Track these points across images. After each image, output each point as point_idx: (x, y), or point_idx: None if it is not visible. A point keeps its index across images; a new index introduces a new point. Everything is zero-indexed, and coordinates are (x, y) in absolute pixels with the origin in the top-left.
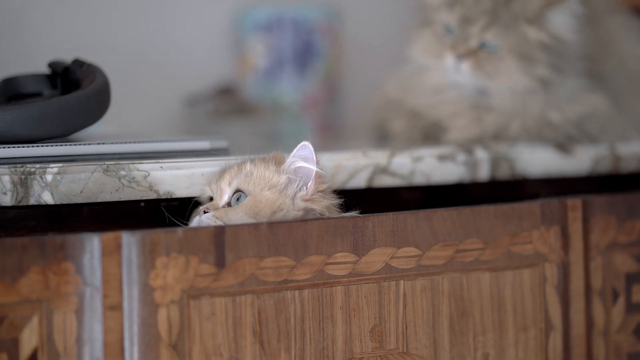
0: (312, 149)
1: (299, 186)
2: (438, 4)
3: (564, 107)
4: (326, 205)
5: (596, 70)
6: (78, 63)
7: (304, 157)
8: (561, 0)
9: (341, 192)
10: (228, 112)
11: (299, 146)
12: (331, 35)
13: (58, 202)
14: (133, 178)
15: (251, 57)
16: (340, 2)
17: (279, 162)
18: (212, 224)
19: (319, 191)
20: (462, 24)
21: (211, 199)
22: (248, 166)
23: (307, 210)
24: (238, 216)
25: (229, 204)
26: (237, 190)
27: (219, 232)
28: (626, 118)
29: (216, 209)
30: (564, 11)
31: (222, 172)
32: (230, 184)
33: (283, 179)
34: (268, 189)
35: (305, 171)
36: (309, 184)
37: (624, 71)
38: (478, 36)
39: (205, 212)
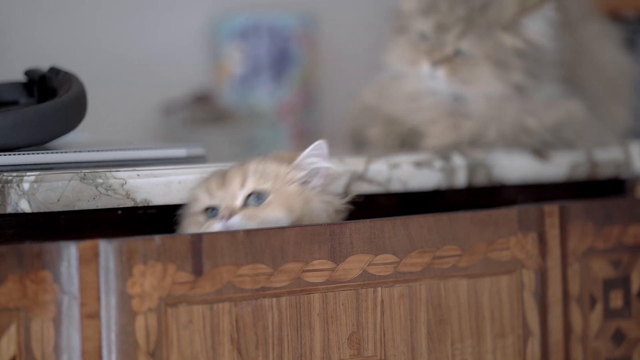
0: (327, 146)
1: (315, 182)
2: (414, 11)
3: (540, 113)
4: (339, 203)
5: (572, 76)
6: (54, 71)
7: (319, 155)
8: (536, 6)
9: None
10: (204, 120)
11: (314, 145)
12: (307, 42)
13: (35, 211)
14: (110, 186)
15: (227, 65)
16: (317, 9)
17: (288, 160)
18: (245, 226)
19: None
20: (438, 31)
21: (208, 209)
22: (257, 166)
23: (328, 205)
24: (273, 213)
25: (244, 207)
26: (253, 192)
27: (196, 240)
28: (603, 124)
29: (235, 211)
30: (539, 17)
31: (221, 178)
32: (243, 186)
33: (301, 174)
34: (289, 184)
35: (320, 169)
36: (322, 180)
37: (600, 77)
38: (453, 43)
39: (223, 218)
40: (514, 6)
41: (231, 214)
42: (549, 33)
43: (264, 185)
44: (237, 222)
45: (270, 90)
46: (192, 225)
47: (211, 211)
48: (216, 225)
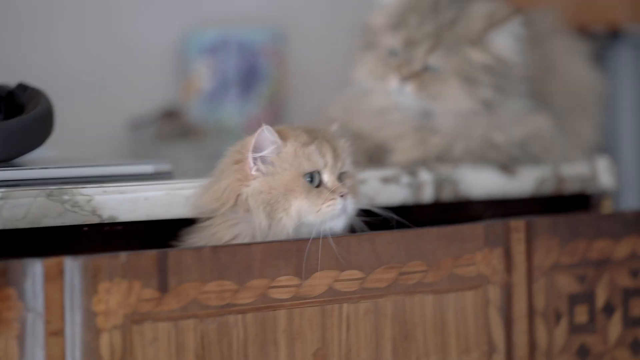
0: None
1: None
2: (382, 27)
3: (507, 129)
4: None
5: (540, 91)
6: (22, 87)
7: None
8: (502, 21)
9: None
10: (172, 135)
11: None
12: (276, 58)
13: (1, 228)
14: (76, 202)
15: (196, 80)
16: (285, 24)
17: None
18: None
19: None
20: (406, 47)
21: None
22: (342, 142)
23: None
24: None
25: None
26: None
27: (162, 257)
28: (570, 139)
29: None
30: (506, 32)
31: (324, 147)
32: (343, 164)
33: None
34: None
35: None
36: None
37: (568, 92)
38: (422, 59)
39: (344, 197)
40: (481, 21)
41: (342, 194)
42: (516, 48)
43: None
44: (351, 205)
45: (239, 106)
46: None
47: (309, 177)
48: (339, 204)
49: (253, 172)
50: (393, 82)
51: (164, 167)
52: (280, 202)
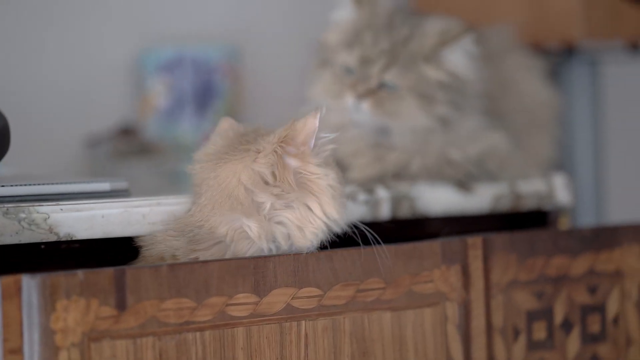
0: None
1: None
2: (337, 45)
3: (464, 145)
4: None
5: (496, 108)
6: None
7: None
8: (455, 39)
9: None
10: (129, 153)
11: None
12: (231, 75)
13: None
14: (33, 220)
15: (152, 97)
16: (241, 41)
17: None
18: None
19: None
20: (362, 65)
21: None
22: None
23: None
24: None
25: None
26: None
27: (120, 275)
28: (526, 155)
29: None
30: (459, 50)
31: None
32: None
33: None
34: None
35: None
36: None
37: (523, 109)
38: (377, 76)
39: None
40: (435, 39)
41: None
42: (470, 65)
43: None
44: None
45: (195, 123)
46: None
47: None
48: None
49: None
50: (349, 100)
51: (121, 184)
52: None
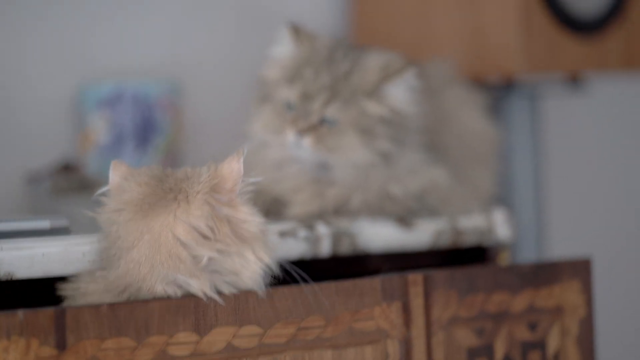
0: None
1: None
2: (278, 80)
3: (404, 181)
4: None
5: (436, 142)
6: None
7: None
8: (396, 74)
9: None
10: (69, 189)
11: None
12: (172, 110)
13: None
14: None
15: (92, 133)
16: (181, 77)
17: None
18: None
19: None
20: (303, 100)
21: None
22: None
23: None
24: None
25: None
26: None
27: (60, 314)
28: (467, 190)
29: None
30: (400, 84)
31: None
32: None
33: None
34: None
35: None
36: None
37: (464, 143)
38: (318, 112)
39: None
40: (376, 74)
41: None
42: (411, 100)
43: None
44: None
45: (135, 159)
46: None
47: None
48: None
49: None
50: (290, 136)
51: (61, 222)
52: None
